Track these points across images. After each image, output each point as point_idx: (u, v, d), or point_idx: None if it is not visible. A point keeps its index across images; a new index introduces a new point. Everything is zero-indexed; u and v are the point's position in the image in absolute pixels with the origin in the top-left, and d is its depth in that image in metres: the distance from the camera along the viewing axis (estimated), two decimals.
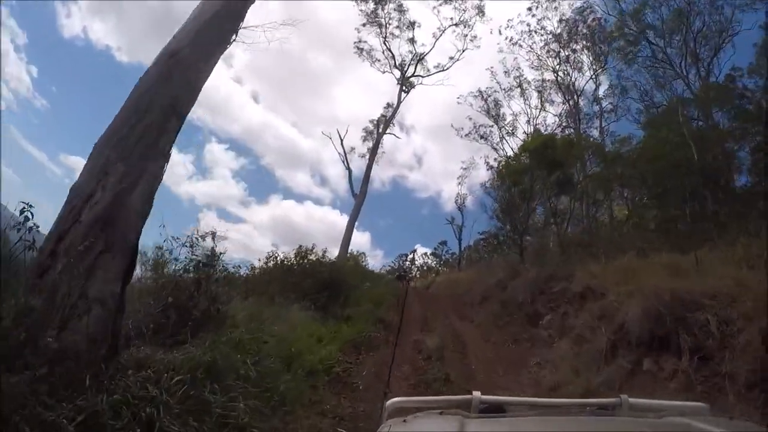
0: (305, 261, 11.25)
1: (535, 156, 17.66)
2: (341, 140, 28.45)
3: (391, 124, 30.37)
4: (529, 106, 28.93)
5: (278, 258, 11.78)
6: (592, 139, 22.23)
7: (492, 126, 31.38)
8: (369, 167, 27.60)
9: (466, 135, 32.92)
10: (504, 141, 30.96)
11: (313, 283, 10.32)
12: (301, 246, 11.43)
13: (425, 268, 49.79)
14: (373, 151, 28.38)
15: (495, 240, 45.19)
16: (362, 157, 29.50)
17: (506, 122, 29.72)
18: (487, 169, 30.04)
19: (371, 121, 30.62)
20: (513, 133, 31.26)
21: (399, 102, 29.68)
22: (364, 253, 20.50)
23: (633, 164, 16.27)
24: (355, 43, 29.14)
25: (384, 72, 29.50)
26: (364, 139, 30.16)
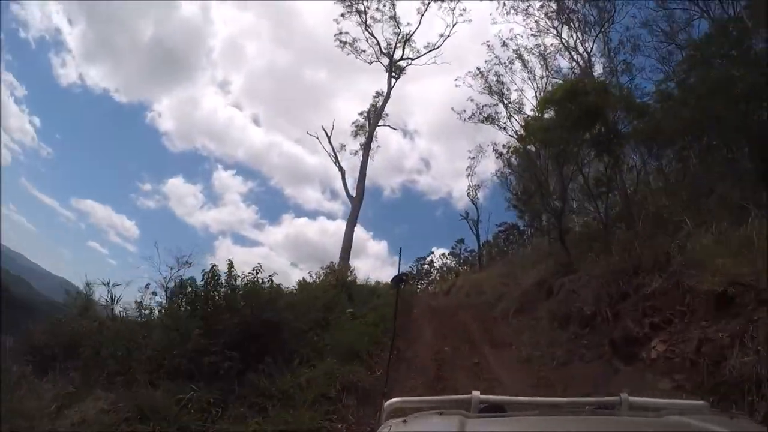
0: (210, 293, 6.66)
1: (564, 107, 13.22)
2: (329, 138, 24.38)
3: (384, 115, 26.23)
4: (534, 78, 24.93)
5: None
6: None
7: (496, 104, 27.49)
8: (364, 164, 23.38)
9: (469, 118, 28.68)
10: (512, 119, 26.95)
11: (222, 332, 6.15)
12: (214, 266, 6.91)
13: (444, 269, 46.22)
14: (367, 146, 24.16)
15: (515, 231, 40.64)
16: (354, 154, 25.38)
17: (511, 100, 26.06)
18: (497, 157, 26.66)
19: (361, 114, 26.50)
20: (520, 110, 27.44)
21: (390, 88, 25.55)
22: (350, 267, 15.69)
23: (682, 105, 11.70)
24: (335, 35, 25.49)
25: (371, 62, 25.71)
26: (355, 134, 26.04)
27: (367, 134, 24.76)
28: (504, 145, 25.65)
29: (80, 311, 7.81)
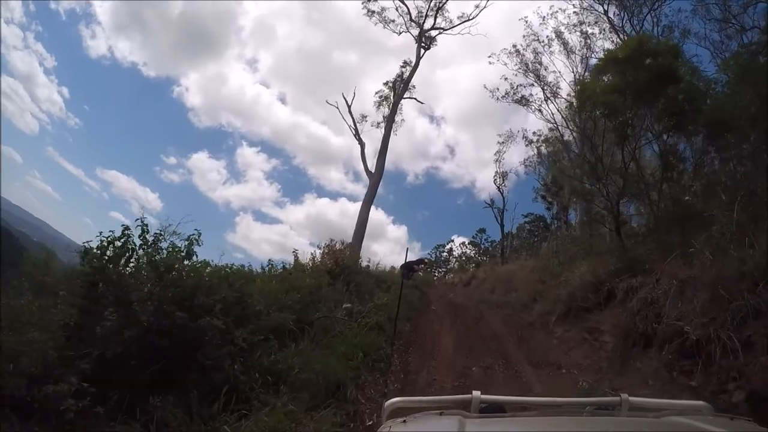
0: (104, 272, 4.17)
1: (632, 66, 10.63)
2: (349, 107, 22.07)
3: (411, 87, 23.70)
4: (574, 59, 22.28)
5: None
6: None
7: (532, 85, 25.00)
8: (386, 138, 21.04)
9: (502, 97, 26.58)
10: (548, 102, 24.24)
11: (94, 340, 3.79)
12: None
13: (463, 258, 44.34)
14: (390, 118, 21.79)
15: (542, 223, 37.83)
16: (377, 126, 23.00)
17: (548, 81, 23.54)
18: (526, 144, 25.60)
19: (386, 84, 23.96)
20: (556, 94, 24.93)
21: (418, 58, 23.12)
22: (355, 248, 13.08)
23: None
24: (363, 3, 23.31)
25: (400, 32, 23.48)
26: (379, 105, 23.62)
27: (391, 106, 22.32)
28: (535, 133, 25.46)
29: None
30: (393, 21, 23.37)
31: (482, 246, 44.44)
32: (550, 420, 1.37)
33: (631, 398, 1.33)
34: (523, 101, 24.96)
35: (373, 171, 20.14)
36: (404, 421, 1.23)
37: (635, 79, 10.46)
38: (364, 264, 12.78)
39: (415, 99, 24.06)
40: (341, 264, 9.38)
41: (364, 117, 22.56)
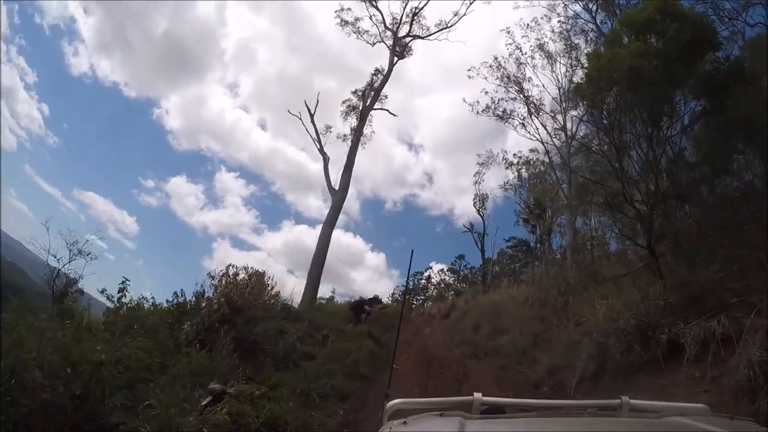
0: None
1: (654, 33, 8.15)
2: (311, 116, 19.06)
3: (382, 98, 21.01)
4: (558, 71, 20.80)
5: None
6: None
7: (515, 99, 23.44)
8: (353, 151, 18.12)
9: (483, 110, 24.60)
10: (532, 117, 22.42)
11: None
12: None
13: (442, 285, 41.50)
14: (359, 130, 18.91)
15: (524, 247, 35.50)
16: (343, 139, 20.07)
17: (531, 95, 22.22)
18: (506, 167, 25.83)
19: (355, 92, 21.14)
20: (539, 109, 23.39)
21: (391, 66, 20.66)
22: (254, 272, 8.06)
23: None
24: (336, 12, 21.28)
25: (374, 43, 21.23)
26: (346, 115, 20.75)
27: (359, 116, 19.45)
28: (515, 155, 25.49)
29: None
30: (367, 32, 21.25)
31: (461, 273, 42.03)
32: (550, 421, 1.35)
33: (631, 400, 1.32)
34: (505, 115, 23.17)
35: (337, 188, 17.04)
36: (405, 423, 1.21)
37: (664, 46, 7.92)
38: (293, 302, 9.38)
39: (387, 111, 21.24)
40: (236, 304, 5.90)
41: (328, 128, 19.65)
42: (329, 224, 15.92)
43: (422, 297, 42.62)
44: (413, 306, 40.38)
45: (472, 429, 1.16)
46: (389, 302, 41.32)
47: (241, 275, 6.35)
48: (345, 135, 19.88)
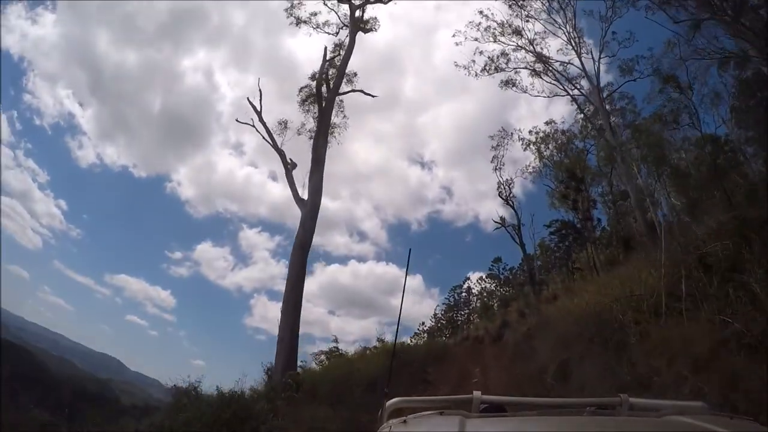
0: None
1: None
2: (259, 113, 14.90)
3: (351, 76, 16.86)
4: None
5: None
6: None
7: (515, 47, 20.12)
8: (319, 145, 13.65)
9: (482, 71, 21.01)
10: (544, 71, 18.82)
11: None
12: None
13: (484, 294, 36.53)
14: (323, 118, 14.48)
15: (569, 229, 30.36)
16: (305, 132, 15.84)
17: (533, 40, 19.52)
18: (524, 148, 24.22)
19: (312, 76, 16.81)
20: (546, 59, 20.18)
21: (353, 39, 16.45)
22: None
23: None
24: (288, 11, 18.17)
25: (337, 32, 17.66)
26: (303, 102, 16.58)
27: (325, 102, 15.06)
28: (531, 131, 23.74)
29: None
30: (327, 22, 17.61)
31: (501, 276, 36.94)
32: (550, 420, 1.34)
33: (631, 398, 1.32)
34: (505, 59, 19.97)
35: (305, 197, 12.53)
36: (405, 421, 1.22)
37: None
38: None
39: (361, 92, 16.87)
40: None
41: (283, 125, 15.41)
42: (300, 247, 11.38)
43: (466, 311, 37.80)
44: (457, 322, 35.62)
45: (473, 427, 1.15)
46: (431, 324, 36.28)
47: None
48: (304, 127, 15.71)
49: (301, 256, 11.18)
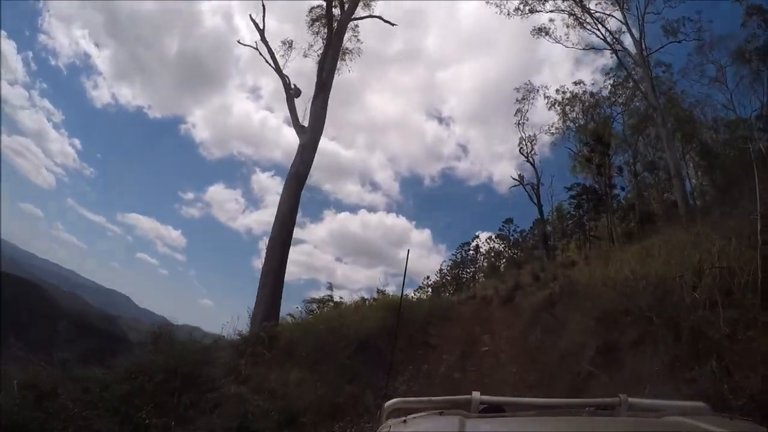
0: None
1: None
2: (261, 32, 12.80)
3: (368, 2, 14.61)
4: None
5: None
6: None
7: None
8: (326, 68, 11.63)
9: (515, 10, 18.91)
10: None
11: None
12: None
13: (492, 255, 36.00)
14: (330, 41, 12.27)
15: (590, 195, 29.14)
16: (313, 51, 13.90)
17: None
18: (549, 107, 22.61)
19: None
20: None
21: None
22: None
23: None
24: None
25: None
26: (314, 23, 14.50)
27: (337, 23, 12.85)
28: (558, 90, 22.26)
29: None
30: None
31: (511, 238, 36.00)
32: (549, 420, 1.34)
33: (630, 399, 1.31)
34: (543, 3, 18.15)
35: (306, 125, 10.79)
36: (404, 421, 1.22)
37: None
38: None
39: (379, 18, 14.50)
40: None
41: (288, 44, 13.41)
42: (295, 177, 9.79)
43: (472, 269, 37.22)
44: (463, 280, 35.03)
45: (472, 427, 1.15)
46: (436, 279, 35.59)
47: None
48: (311, 47, 13.73)
49: (295, 188, 9.65)
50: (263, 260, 8.96)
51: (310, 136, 10.33)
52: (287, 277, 9.17)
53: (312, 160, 10.28)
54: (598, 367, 4.88)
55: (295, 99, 11.82)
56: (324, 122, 10.89)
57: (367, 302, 10.81)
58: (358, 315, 8.27)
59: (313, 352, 6.40)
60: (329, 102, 11.22)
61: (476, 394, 1.32)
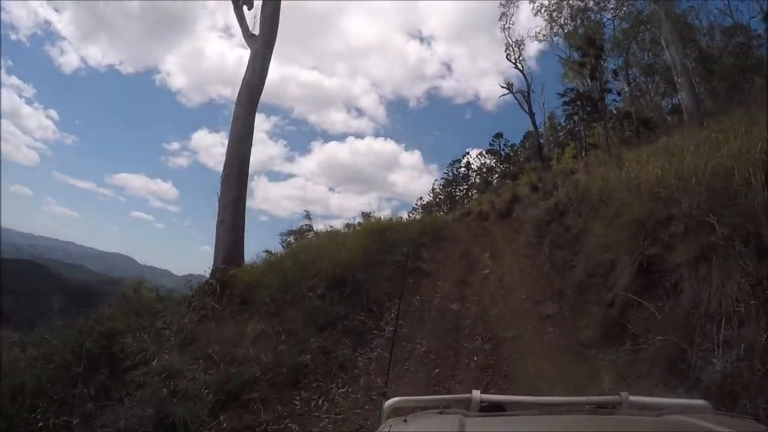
0: None
1: None
2: None
3: None
4: None
5: None
6: None
7: None
8: None
9: None
10: None
11: None
12: None
13: (484, 170, 33.84)
14: None
15: (584, 102, 27.61)
16: None
17: None
18: (535, 13, 21.33)
19: None
20: None
21: None
22: None
23: None
24: None
25: None
26: None
27: None
28: None
29: None
30: None
31: (502, 152, 34.67)
32: (549, 419, 1.27)
33: (631, 397, 1.27)
34: None
35: (256, 32, 8.66)
36: (405, 420, 1.17)
37: None
38: None
39: None
40: None
41: None
42: (247, 90, 7.95)
43: (465, 186, 36.33)
44: (456, 197, 34.19)
45: (472, 426, 1.10)
46: (429, 198, 34.67)
47: None
48: None
49: (248, 103, 7.86)
50: (219, 193, 7.48)
51: (262, 44, 8.28)
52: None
53: (266, 70, 8.34)
54: (639, 293, 3.70)
55: (248, 11, 9.55)
56: (277, 28, 8.76)
57: (349, 228, 9.59)
58: (334, 244, 7.00)
59: (279, 297, 5.20)
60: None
61: (476, 393, 1.30)
